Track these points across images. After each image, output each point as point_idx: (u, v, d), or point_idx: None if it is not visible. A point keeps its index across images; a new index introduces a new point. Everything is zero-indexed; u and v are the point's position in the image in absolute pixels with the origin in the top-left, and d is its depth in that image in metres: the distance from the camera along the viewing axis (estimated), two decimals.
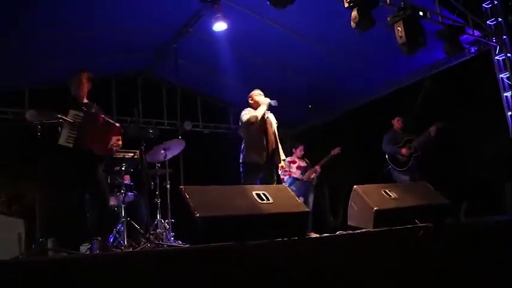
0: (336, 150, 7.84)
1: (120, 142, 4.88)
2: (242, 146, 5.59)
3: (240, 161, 5.53)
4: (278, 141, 5.66)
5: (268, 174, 5.50)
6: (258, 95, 5.72)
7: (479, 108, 6.87)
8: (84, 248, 4.66)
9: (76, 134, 4.24)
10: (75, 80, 4.61)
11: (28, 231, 5.85)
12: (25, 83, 7.52)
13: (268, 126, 5.59)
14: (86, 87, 4.63)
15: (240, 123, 5.67)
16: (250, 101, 5.77)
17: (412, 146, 7.11)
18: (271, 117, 5.74)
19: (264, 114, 5.54)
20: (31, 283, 2.41)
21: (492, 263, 4.02)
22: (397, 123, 7.43)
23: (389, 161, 7.33)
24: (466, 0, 6.54)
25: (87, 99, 4.67)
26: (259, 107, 5.55)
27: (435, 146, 7.00)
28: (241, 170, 5.53)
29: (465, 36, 6.46)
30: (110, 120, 4.72)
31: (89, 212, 4.67)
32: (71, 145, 4.19)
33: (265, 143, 5.49)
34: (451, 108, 7.22)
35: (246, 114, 5.56)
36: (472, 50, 7.08)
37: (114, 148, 4.74)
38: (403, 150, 7.13)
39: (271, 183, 5.41)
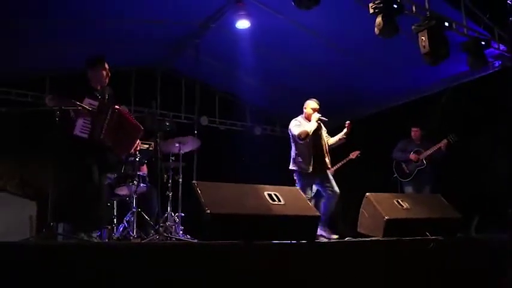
0: (354, 154, 7.72)
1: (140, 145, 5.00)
2: (292, 152, 5.81)
3: (290, 167, 5.78)
4: (326, 151, 5.89)
5: (321, 181, 5.70)
6: (313, 108, 5.84)
7: (498, 123, 6.77)
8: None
9: (90, 124, 4.22)
10: (99, 65, 4.57)
11: (39, 214, 5.93)
12: (46, 70, 7.56)
13: (318, 138, 5.81)
14: (106, 76, 4.60)
15: (289, 131, 5.85)
16: (304, 109, 5.94)
17: (419, 158, 7.05)
18: (323, 129, 5.96)
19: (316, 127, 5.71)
20: (39, 266, 2.44)
21: (502, 279, 3.97)
22: (414, 133, 7.35)
23: (394, 170, 7.31)
24: (493, 14, 6.43)
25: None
26: (311, 121, 5.71)
27: (446, 159, 6.91)
28: (294, 176, 5.78)
29: (490, 49, 6.37)
30: (134, 121, 4.70)
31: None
32: (86, 135, 4.17)
33: (313, 153, 5.70)
34: (470, 121, 7.12)
35: (297, 126, 5.74)
36: (496, 64, 6.96)
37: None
38: (412, 155, 7.09)
39: (326, 188, 5.66)
